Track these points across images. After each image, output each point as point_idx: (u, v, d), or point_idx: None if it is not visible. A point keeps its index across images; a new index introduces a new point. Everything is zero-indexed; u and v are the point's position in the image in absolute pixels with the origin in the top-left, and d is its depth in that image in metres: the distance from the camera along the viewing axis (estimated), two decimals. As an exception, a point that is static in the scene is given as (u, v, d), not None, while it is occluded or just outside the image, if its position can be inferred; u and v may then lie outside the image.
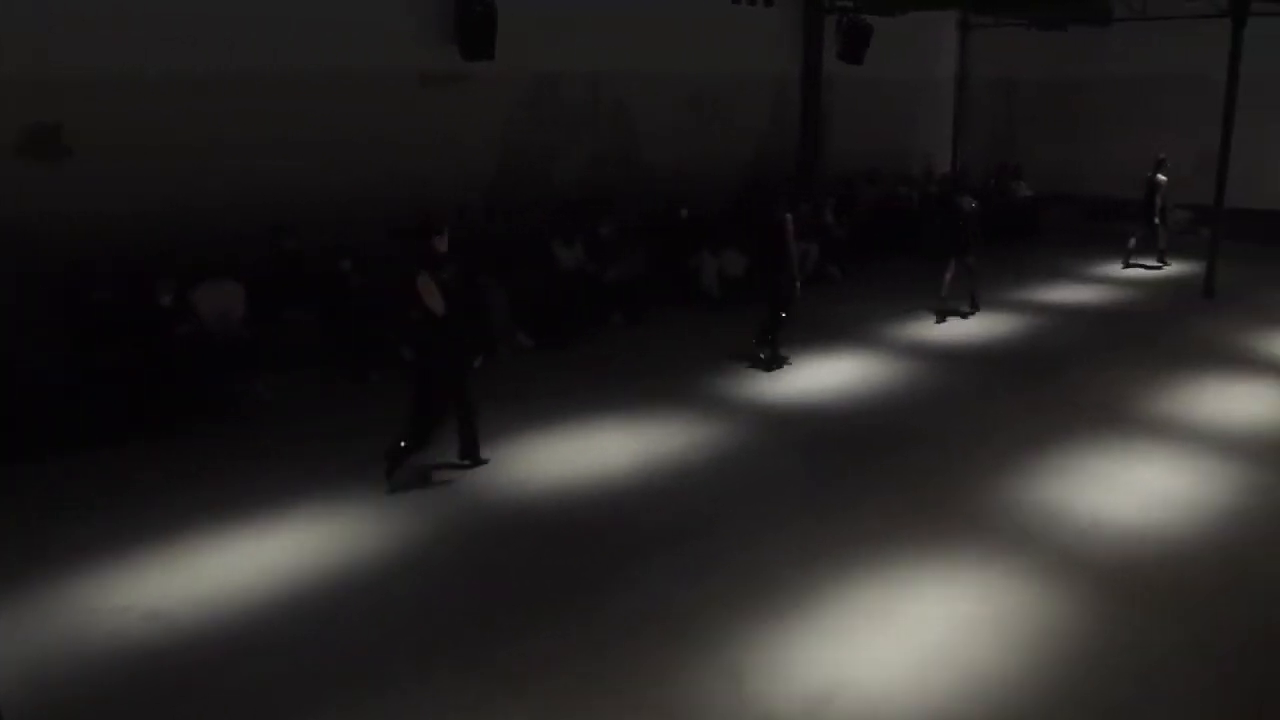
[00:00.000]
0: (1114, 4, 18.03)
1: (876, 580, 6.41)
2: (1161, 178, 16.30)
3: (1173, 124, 19.18)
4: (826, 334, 12.44)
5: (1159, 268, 16.89)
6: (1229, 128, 14.22)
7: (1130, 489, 7.82)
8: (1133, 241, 16.87)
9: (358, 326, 10.89)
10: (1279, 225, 18.98)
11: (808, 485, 8.07)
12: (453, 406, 8.01)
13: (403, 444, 7.78)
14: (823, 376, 10.95)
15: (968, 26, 22.08)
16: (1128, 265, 17.06)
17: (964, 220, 13.41)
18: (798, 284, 11.11)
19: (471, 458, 8.28)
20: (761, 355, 11.28)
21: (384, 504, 7.65)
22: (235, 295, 10.49)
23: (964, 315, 13.56)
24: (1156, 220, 16.66)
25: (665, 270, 14.02)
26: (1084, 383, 10.63)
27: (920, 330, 12.87)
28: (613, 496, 7.84)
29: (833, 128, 19.25)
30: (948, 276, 13.38)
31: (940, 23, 21.70)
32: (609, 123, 15.51)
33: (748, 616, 5.98)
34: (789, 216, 11.00)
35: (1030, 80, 21.84)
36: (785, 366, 11.22)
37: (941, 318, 13.39)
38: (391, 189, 12.25)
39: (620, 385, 10.62)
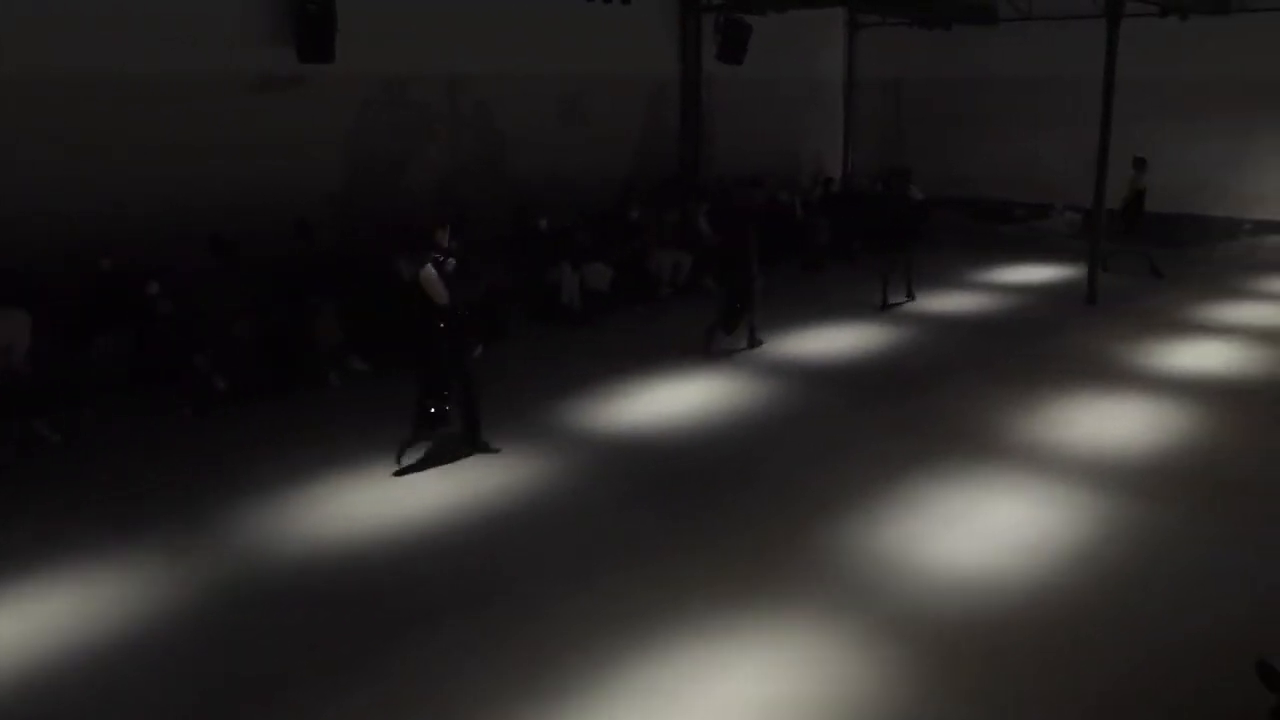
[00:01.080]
0: (999, 3, 17.57)
1: (684, 652, 5.62)
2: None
3: (1062, 125, 18.77)
4: (693, 351, 11.68)
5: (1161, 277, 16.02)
6: (1106, 130, 13.76)
7: (983, 530, 7.15)
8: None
9: (167, 355, 9.93)
10: (1164, 225, 18.63)
11: (627, 533, 7.24)
12: (457, 391, 8.36)
13: (414, 430, 8.29)
14: (677, 400, 10.18)
15: (855, 26, 21.54)
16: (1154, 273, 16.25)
17: (911, 212, 14.35)
18: (758, 279, 11.74)
19: (471, 443, 8.53)
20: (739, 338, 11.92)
21: (136, 570, 6.70)
22: (20, 326, 9.40)
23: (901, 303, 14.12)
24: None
25: (525, 284, 13.18)
26: (951, 402, 9.98)
27: (791, 345, 12.16)
28: (404, 552, 6.96)
29: (716, 131, 18.55)
30: (889, 273, 14.00)
31: (827, 22, 21.13)
32: (469, 129, 14.62)
33: (528, 701, 5.16)
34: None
35: (918, 80, 21.37)
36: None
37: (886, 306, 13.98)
38: (219, 201, 11.36)
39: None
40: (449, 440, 8.58)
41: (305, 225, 11.85)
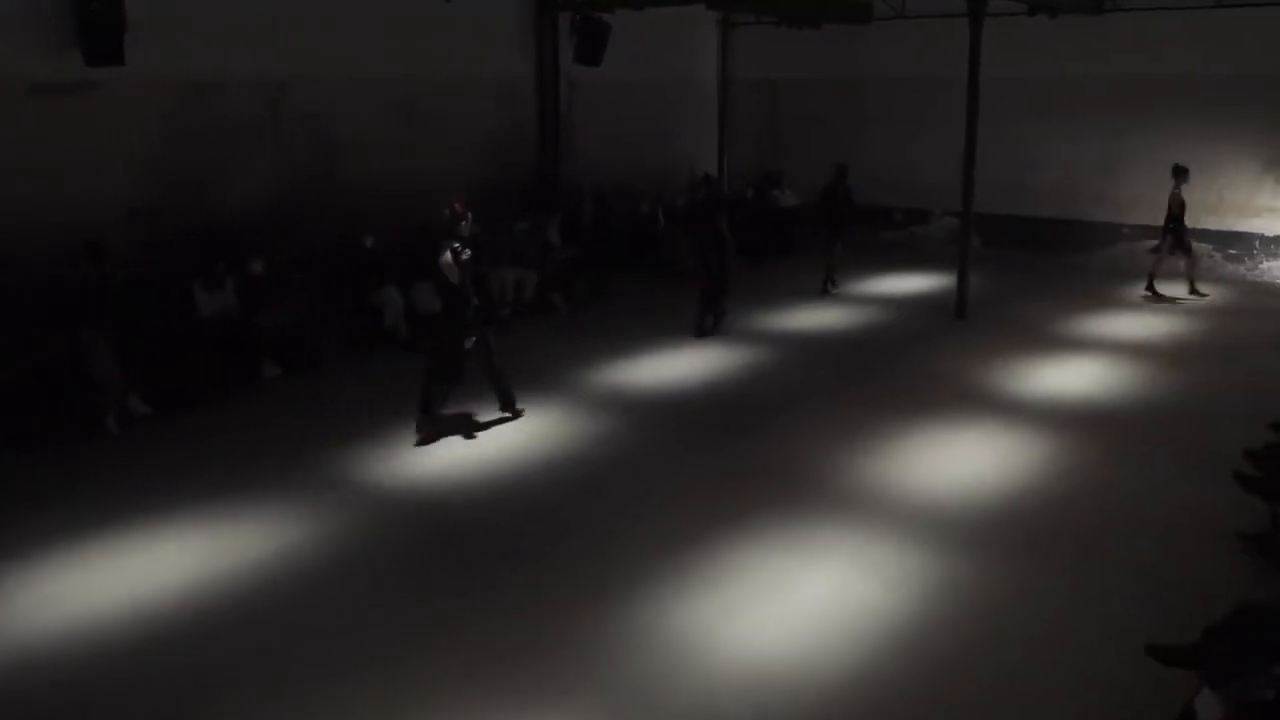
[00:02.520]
0: (874, 2, 16.86)
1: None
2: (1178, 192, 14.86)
3: (941, 126, 18.07)
4: (521, 381, 10.65)
5: (1203, 295, 15.13)
6: (972, 132, 13.05)
7: (795, 608, 6.20)
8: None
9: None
10: (1043, 231, 18.11)
11: (365, 624, 6.13)
12: (451, 361, 9.06)
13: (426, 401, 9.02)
14: (490, 442, 9.14)
15: (728, 25, 20.69)
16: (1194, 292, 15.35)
17: (837, 205, 15.04)
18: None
19: (429, 413, 9.09)
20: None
21: None
22: None
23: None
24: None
25: (347, 308, 12.05)
26: (790, 441, 9.05)
27: (632, 372, 11.19)
28: (122, 647, 5.82)
29: (579, 136, 17.54)
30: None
31: (700, 21, 20.25)
32: (295, 138, 13.40)
33: None
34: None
35: (794, 81, 20.57)
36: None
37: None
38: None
39: (242, 463, 8.61)
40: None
41: (96, 247, 10.56)
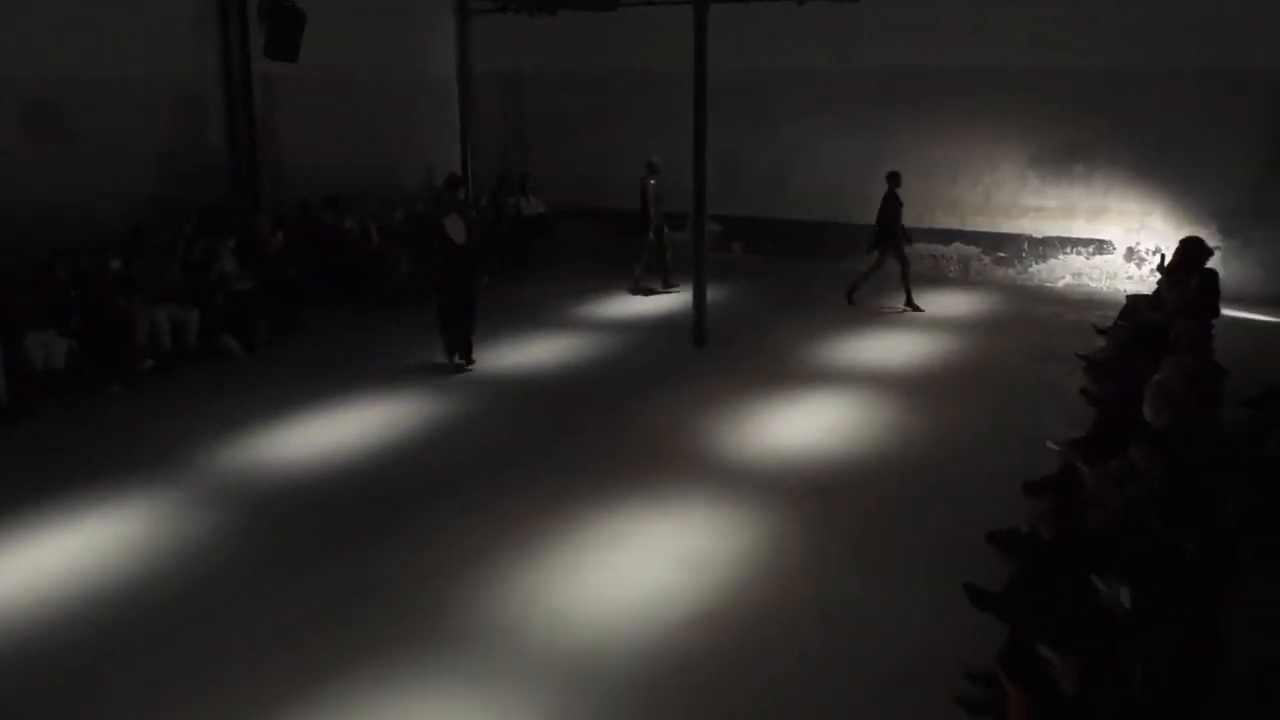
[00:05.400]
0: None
1: None
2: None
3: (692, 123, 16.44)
4: (124, 460, 8.42)
5: (918, 310, 13.78)
6: (701, 130, 11.38)
7: None
8: None
9: None
10: (808, 235, 16.71)
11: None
12: (463, 312, 10.67)
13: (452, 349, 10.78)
14: (64, 551, 6.87)
15: (466, 12, 18.59)
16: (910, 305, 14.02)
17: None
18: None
19: (466, 359, 10.88)
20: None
21: None
22: None
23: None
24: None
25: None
26: (442, 538, 7.07)
27: (284, 444, 8.98)
28: None
29: (286, 142, 15.19)
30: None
31: (434, 8, 18.17)
32: None
33: None
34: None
35: (540, 75, 18.69)
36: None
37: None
38: None
39: None
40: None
41: None
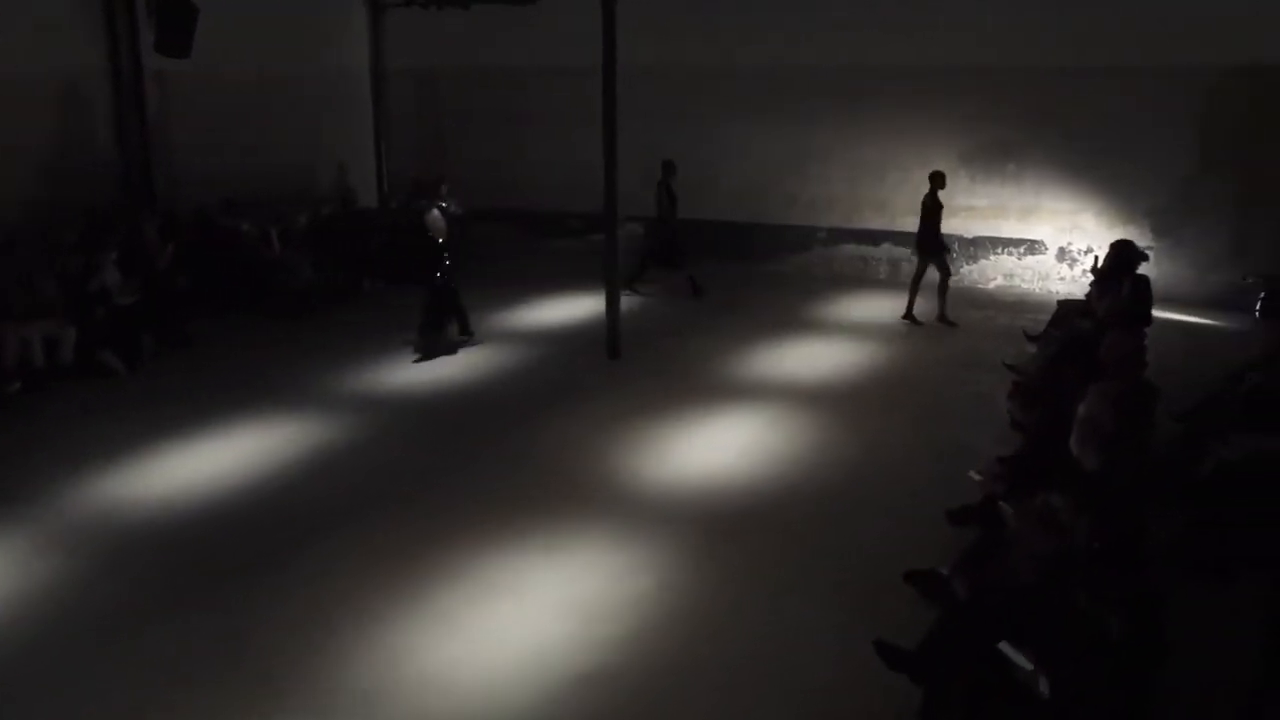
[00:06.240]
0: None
1: None
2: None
3: (626, 124, 15.82)
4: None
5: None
6: (611, 126, 10.76)
7: None
8: None
9: None
10: (734, 237, 16.15)
11: None
12: (448, 298, 11.41)
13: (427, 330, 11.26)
14: None
15: (379, 7, 17.79)
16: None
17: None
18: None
19: (468, 333, 11.83)
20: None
21: None
22: None
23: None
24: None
25: None
26: (310, 589, 6.35)
27: (153, 475, 8.20)
28: None
29: (184, 142, 14.35)
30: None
31: (345, 2, 17.38)
32: None
33: None
34: None
35: (458, 72, 17.94)
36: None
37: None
38: None
39: None
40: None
41: None
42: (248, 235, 13.15)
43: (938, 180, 12.52)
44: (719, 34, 15.44)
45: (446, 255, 11.33)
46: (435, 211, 11.59)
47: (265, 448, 8.63)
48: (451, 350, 11.40)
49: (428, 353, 11.18)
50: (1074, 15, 13.50)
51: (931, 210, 12.50)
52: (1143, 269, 9.61)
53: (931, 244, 12.59)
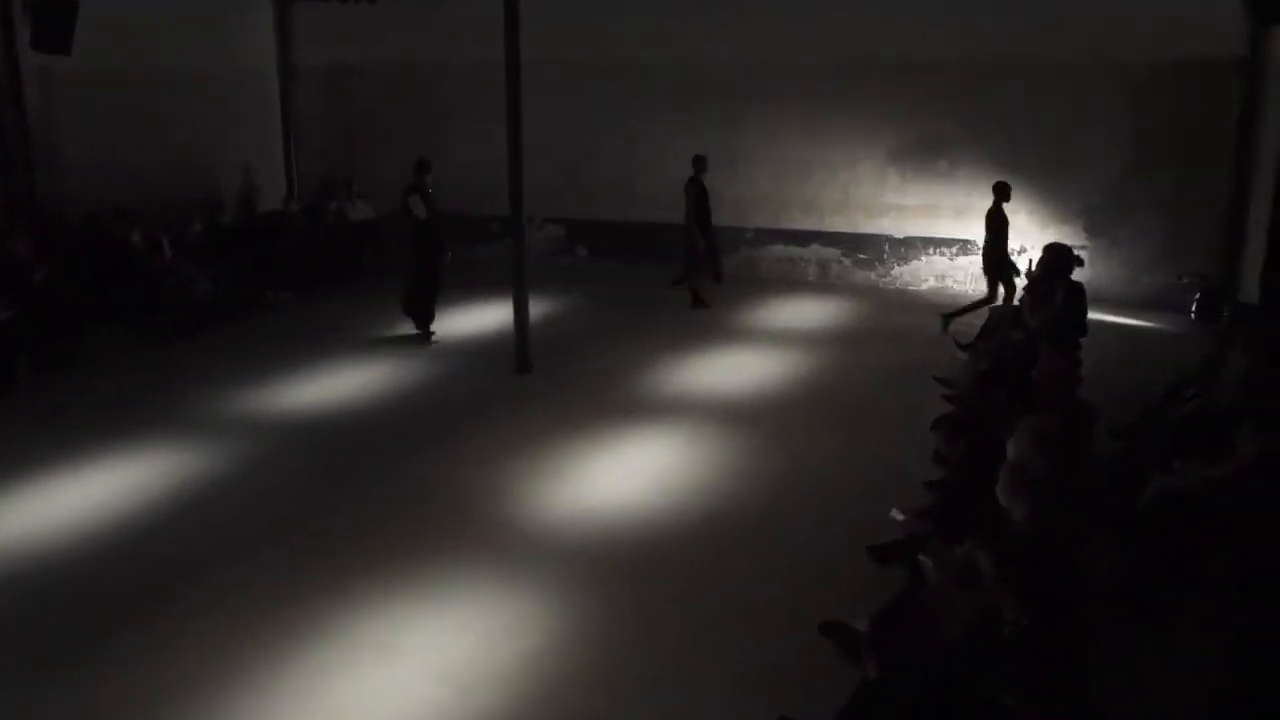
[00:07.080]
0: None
1: None
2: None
3: (537, 119, 15.10)
4: None
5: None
6: (516, 122, 10.08)
7: None
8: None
9: None
10: (658, 238, 15.49)
11: None
12: (428, 283, 11.55)
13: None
14: None
15: (285, 1, 16.95)
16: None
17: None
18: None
19: (424, 329, 11.72)
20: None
21: None
22: None
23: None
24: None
25: None
26: (153, 660, 5.60)
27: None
28: None
29: (71, 146, 13.48)
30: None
31: (247, -6, 16.57)
32: None
33: None
34: None
35: (370, 68, 17.13)
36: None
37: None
38: None
39: None
40: None
41: None
42: (136, 244, 12.27)
43: (1002, 192, 11.49)
44: (636, 27, 14.83)
45: (428, 238, 11.51)
46: (418, 195, 11.49)
47: (130, 484, 7.86)
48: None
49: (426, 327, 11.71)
50: (1004, 9, 13.05)
51: (999, 226, 11.49)
52: (1076, 273, 9.11)
53: (1002, 263, 11.52)
